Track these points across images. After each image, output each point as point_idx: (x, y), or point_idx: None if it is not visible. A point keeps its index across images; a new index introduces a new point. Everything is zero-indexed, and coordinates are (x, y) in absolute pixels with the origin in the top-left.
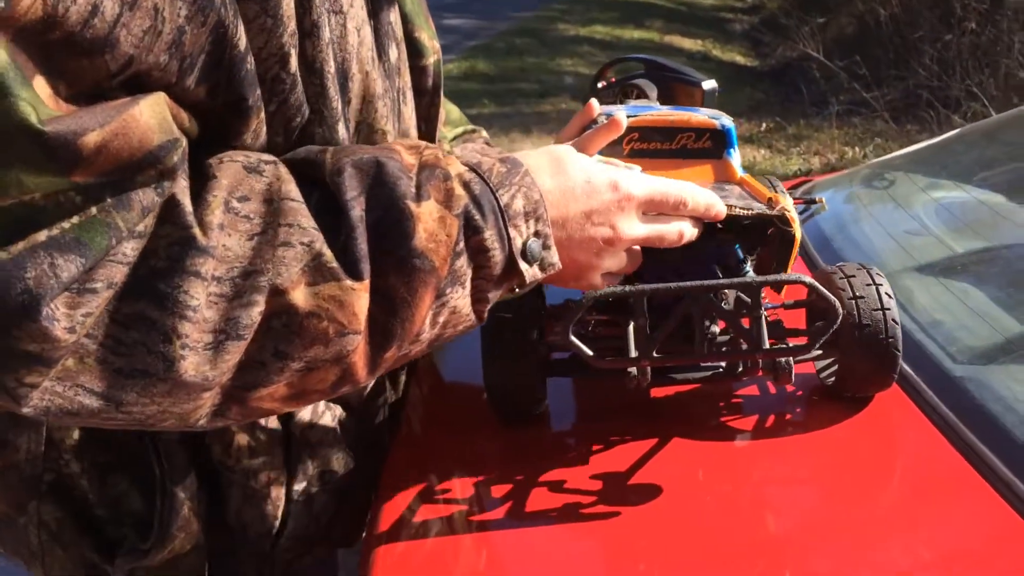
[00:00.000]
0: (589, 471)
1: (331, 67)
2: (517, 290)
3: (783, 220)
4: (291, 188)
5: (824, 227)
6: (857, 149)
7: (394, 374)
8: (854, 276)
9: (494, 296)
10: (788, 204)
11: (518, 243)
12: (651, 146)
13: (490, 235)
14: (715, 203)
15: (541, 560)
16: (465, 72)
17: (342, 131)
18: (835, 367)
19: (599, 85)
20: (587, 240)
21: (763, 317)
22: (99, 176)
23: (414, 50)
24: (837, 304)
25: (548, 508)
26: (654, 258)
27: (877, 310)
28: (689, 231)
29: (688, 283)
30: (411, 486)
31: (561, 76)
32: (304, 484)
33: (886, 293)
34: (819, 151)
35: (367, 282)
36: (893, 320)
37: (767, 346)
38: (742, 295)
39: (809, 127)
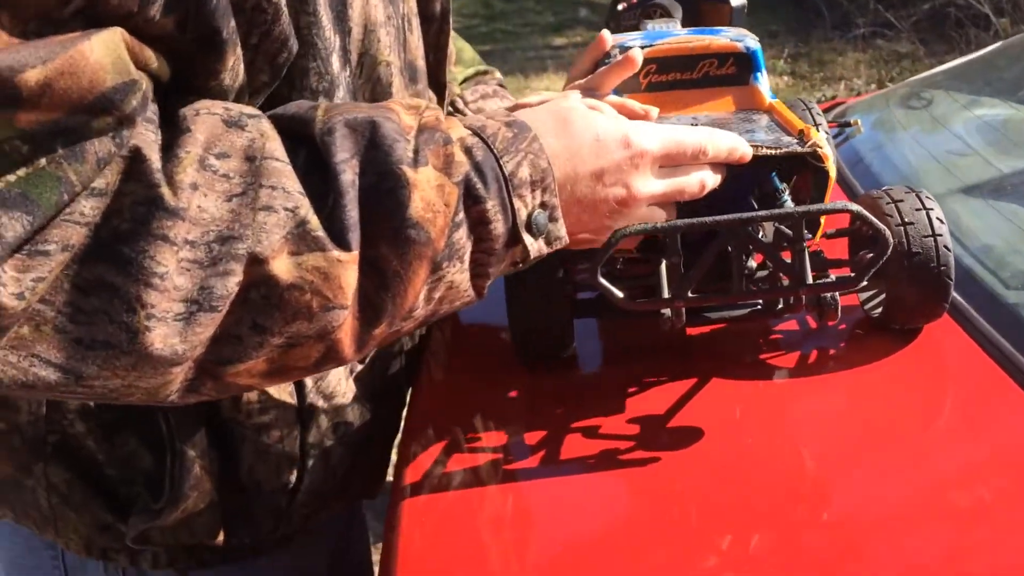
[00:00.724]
0: (620, 415)
1: None
2: (521, 265)
3: (815, 156)
4: (276, 146)
5: (861, 150)
6: (883, 72)
7: None
8: (902, 201)
9: (495, 271)
10: (820, 139)
11: (523, 214)
12: (671, 77)
13: (492, 205)
14: (738, 145)
15: (573, 508)
16: (476, 10)
17: (338, 65)
18: (882, 298)
19: (620, 6)
20: (599, 202)
21: (805, 250)
22: (45, 122)
23: None
24: (887, 233)
25: (578, 455)
26: None
27: (928, 236)
28: (711, 180)
29: (724, 217)
30: (435, 435)
31: (576, 7)
32: (318, 438)
33: (937, 218)
34: (844, 76)
35: (356, 253)
36: (945, 247)
37: (811, 281)
38: (782, 227)
39: (832, 51)
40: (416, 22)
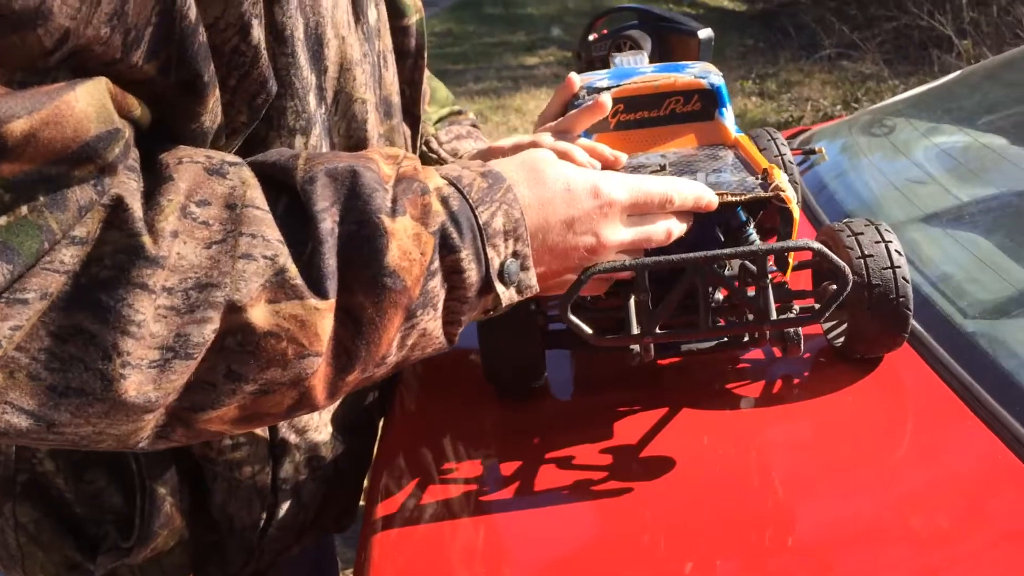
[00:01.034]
0: (592, 445)
1: (301, 33)
2: (492, 312)
3: (779, 199)
4: (256, 194)
5: (825, 178)
6: (849, 93)
7: None
8: (862, 233)
9: (467, 319)
10: (782, 180)
11: (495, 263)
12: (639, 115)
13: (467, 255)
14: (703, 194)
15: (545, 539)
16: (449, 29)
17: (314, 103)
18: (844, 328)
19: (591, 37)
20: (570, 250)
21: (769, 286)
22: (29, 171)
23: (395, 9)
24: (847, 270)
25: (550, 486)
26: None
27: (887, 269)
28: (677, 228)
29: (690, 255)
30: (406, 467)
31: (548, 27)
32: (291, 472)
33: (896, 250)
34: (810, 96)
35: (332, 301)
36: (904, 279)
37: (774, 316)
38: (747, 263)
39: (800, 72)
40: (391, 59)
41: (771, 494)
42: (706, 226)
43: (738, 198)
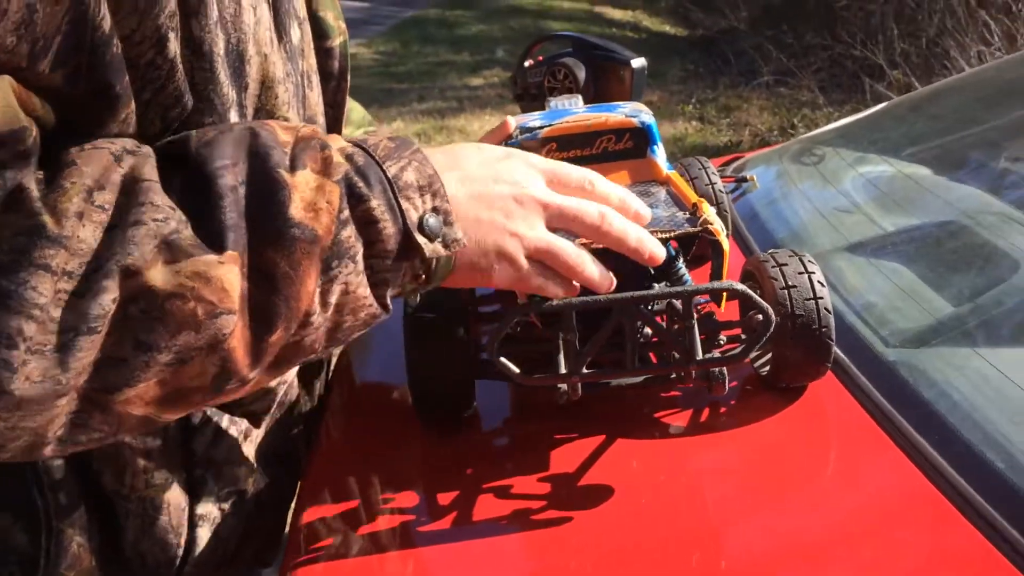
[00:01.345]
0: (523, 475)
1: (221, 49)
2: (424, 278)
3: (708, 232)
4: (148, 168)
5: (756, 206)
6: (785, 119)
7: (309, 381)
8: (786, 264)
9: (395, 279)
10: (710, 215)
11: (413, 216)
12: (572, 154)
13: (378, 204)
14: (625, 196)
15: (476, 573)
16: (394, 48)
17: (235, 120)
18: (769, 358)
19: (526, 64)
20: (495, 199)
21: (695, 327)
22: None
23: (319, 30)
24: (770, 311)
25: (481, 517)
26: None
27: (810, 299)
28: (612, 215)
29: (617, 296)
30: (331, 501)
31: (492, 48)
32: (210, 507)
33: (819, 281)
34: (748, 122)
35: (235, 254)
36: (826, 309)
37: (699, 356)
38: (674, 302)
39: (738, 98)
40: (316, 79)
41: (701, 521)
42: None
43: (668, 234)
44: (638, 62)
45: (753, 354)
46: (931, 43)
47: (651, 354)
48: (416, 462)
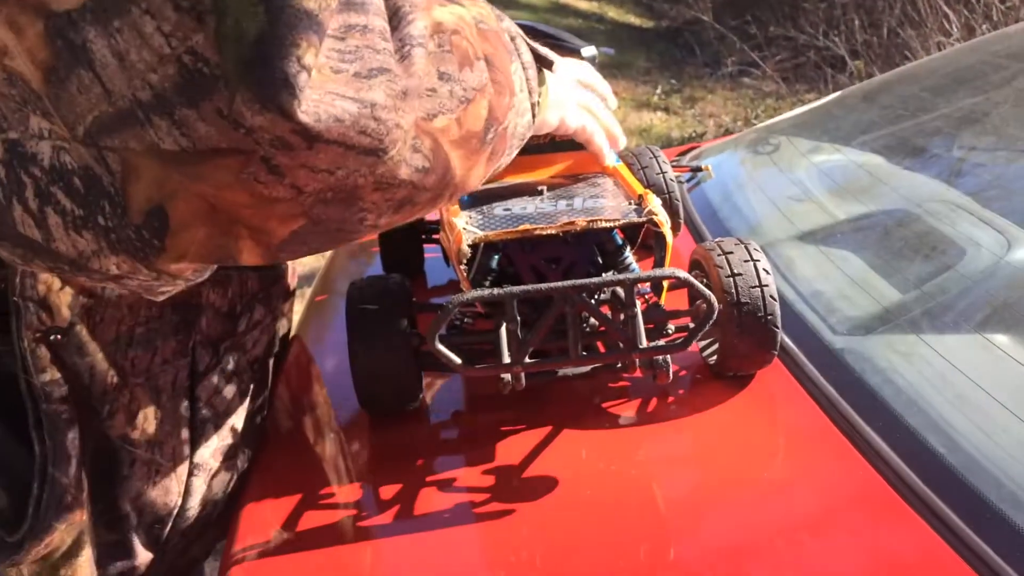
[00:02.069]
0: (471, 468)
1: None
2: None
3: (652, 223)
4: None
5: (710, 195)
6: (749, 110)
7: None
8: (732, 252)
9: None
10: (655, 205)
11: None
12: None
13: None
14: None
15: (421, 567)
16: None
17: None
18: (716, 346)
19: None
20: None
21: (638, 315)
22: None
23: None
24: (713, 299)
25: (428, 511)
26: (531, 243)
27: (755, 287)
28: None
29: (558, 284)
30: (275, 494)
31: None
32: (207, 456)
33: (764, 269)
34: (713, 113)
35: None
36: (772, 297)
37: (643, 345)
38: (618, 290)
39: (703, 89)
40: None
41: (648, 511)
42: (583, 252)
43: (613, 223)
44: (588, 51)
45: (700, 342)
46: (892, 33)
47: (599, 343)
48: (362, 457)
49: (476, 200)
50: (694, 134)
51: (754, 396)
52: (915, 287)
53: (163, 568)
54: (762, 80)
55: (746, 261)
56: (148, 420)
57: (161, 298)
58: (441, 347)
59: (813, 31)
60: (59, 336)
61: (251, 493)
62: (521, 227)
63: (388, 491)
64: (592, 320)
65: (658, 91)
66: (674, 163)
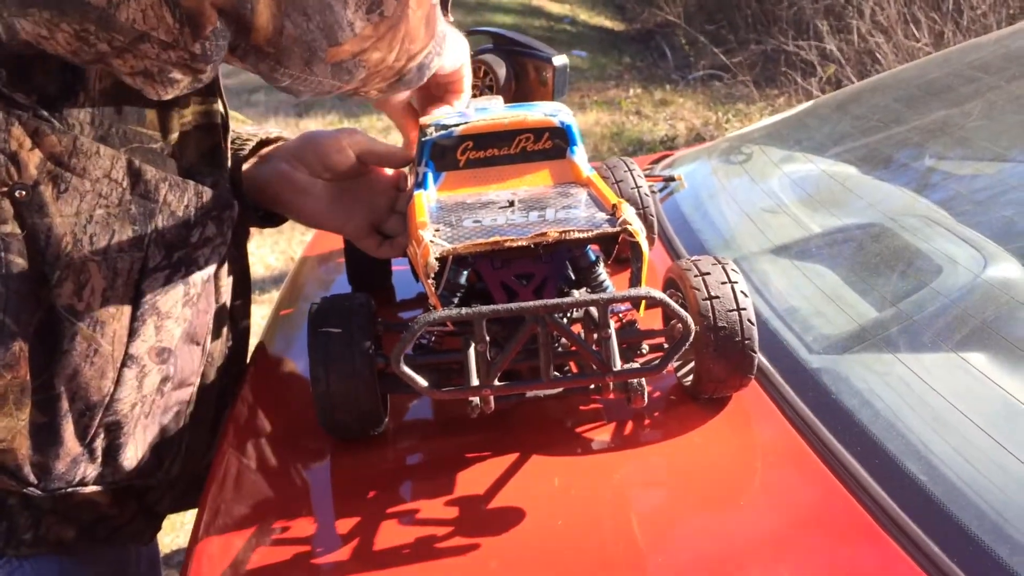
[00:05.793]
0: (438, 496)
1: None
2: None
3: (628, 233)
4: None
5: (683, 206)
6: (720, 114)
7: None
8: (709, 273)
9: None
10: (630, 216)
11: None
12: (489, 153)
13: None
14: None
15: None
16: None
17: None
18: (692, 368)
19: None
20: None
21: (612, 337)
22: None
23: None
24: (689, 321)
25: (392, 543)
26: (502, 259)
27: (733, 311)
28: None
29: (530, 303)
30: (232, 526)
31: None
32: (142, 353)
33: (741, 291)
34: (684, 117)
35: None
36: (749, 321)
37: (617, 367)
38: (591, 310)
39: (675, 92)
40: None
41: (622, 538)
42: (555, 268)
43: (586, 234)
44: (560, 60)
45: (674, 364)
46: (861, 39)
47: (571, 362)
48: (323, 485)
49: (444, 212)
50: (665, 138)
51: (730, 419)
52: (891, 304)
53: (89, 477)
54: (733, 84)
55: (723, 283)
56: (95, 296)
57: (164, 95)
58: (406, 369)
59: (783, 36)
60: (23, 192)
61: (207, 521)
62: (491, 239)
63: (347, 524)
64: (563, 340)
65: (629, 94)
66: (646, 171)
